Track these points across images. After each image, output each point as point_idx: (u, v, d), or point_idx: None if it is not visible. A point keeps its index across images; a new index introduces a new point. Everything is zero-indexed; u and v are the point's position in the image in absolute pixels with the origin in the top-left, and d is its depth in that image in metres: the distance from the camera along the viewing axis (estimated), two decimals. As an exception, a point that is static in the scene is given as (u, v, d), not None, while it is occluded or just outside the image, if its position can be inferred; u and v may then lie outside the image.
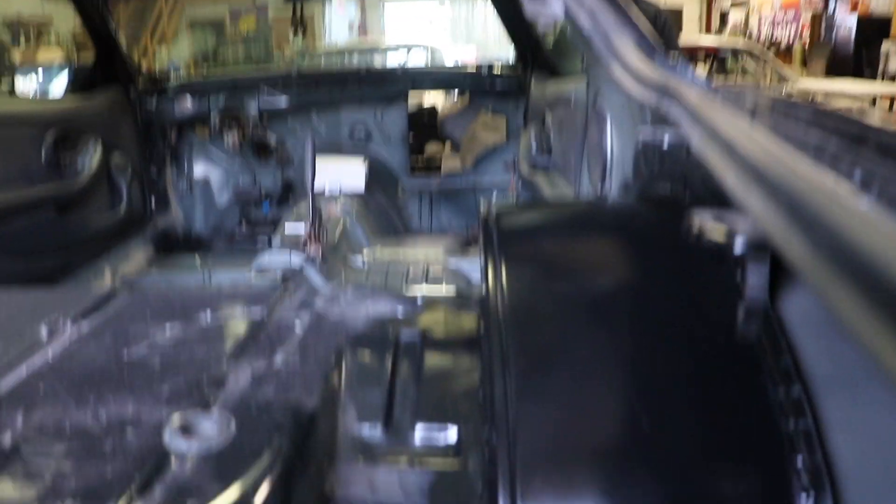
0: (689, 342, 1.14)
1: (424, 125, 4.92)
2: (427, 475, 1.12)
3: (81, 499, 0.95)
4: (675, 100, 1.30)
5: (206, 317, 1.47)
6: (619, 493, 1.02)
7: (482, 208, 1.46)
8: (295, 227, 3.61)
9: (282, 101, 4.41)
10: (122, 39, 4.14)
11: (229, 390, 1.19)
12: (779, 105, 1.19)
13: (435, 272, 2.93)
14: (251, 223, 4.68)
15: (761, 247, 0.89)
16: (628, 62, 1.64)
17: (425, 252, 3.62)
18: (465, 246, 3.97)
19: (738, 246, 0.87)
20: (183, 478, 0.97)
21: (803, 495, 1.00)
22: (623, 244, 1.34)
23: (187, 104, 4.37)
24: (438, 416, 1.21)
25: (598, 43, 1.73)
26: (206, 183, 4.70)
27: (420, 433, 1.19)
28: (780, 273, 1.20)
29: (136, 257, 4.07)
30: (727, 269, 1.15)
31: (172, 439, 1.06)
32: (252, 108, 4.41)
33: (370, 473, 1.13)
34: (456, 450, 1.17)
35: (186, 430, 1.08)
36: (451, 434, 1.18)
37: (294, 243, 3.46)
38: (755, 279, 0.93)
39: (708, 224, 0.89)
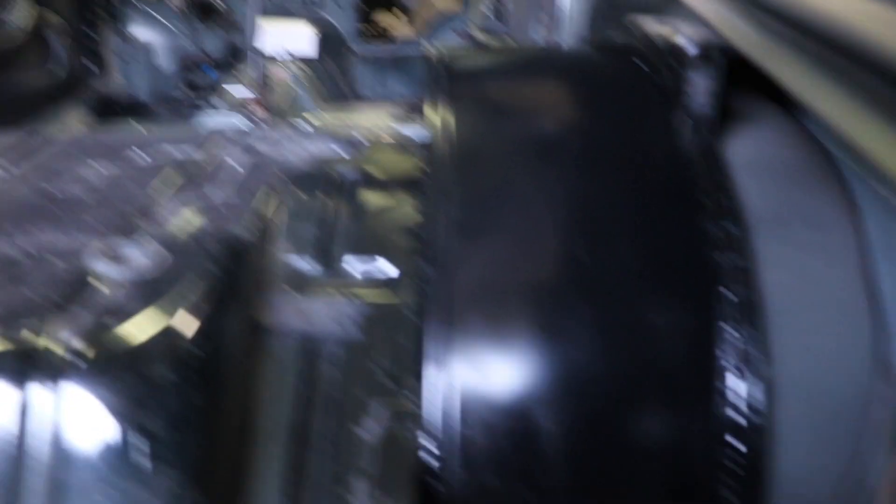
0: (632, 180, 1.14)
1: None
2: (360, 305, 1.13)
3: None
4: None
5: (139, 156, 1.42)
6: (553, 323, 1.03)
7: (430, 51, 1.42)
8: (240, 90, 3.52)
9: None
10: None
11: (158, 221, 1.16)
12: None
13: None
14: (195, 88, 4.53)
15: (709, 52, 0.87)
16: None
17: (372, 117, 3.56)
18: (413, 112, 3.90)
19: (690, 48, 0.84)
20: (104, 299, 0.95)
21: (731, 328, 1.03)
22: (572, 86, 1.32)
23: (127, -41, 4.14)
24: (376, 251, 1.20)
25: None
26: (147, 46, 4.51)
27: (356, 266, 1.19)
28: (726, 118, 1.19)
29: (71, 121, 3.93)
30: (675, 112, 1.14)
31: (96, 264, 1.03)
32: (197, -33, 4.21)
33: (303, 304, 1.13)
34: (392, 283, 1.16)
35: (111, 255, 1.05)
36: (387, 268, 1.18)
37: (238, 106, 3.38)
38: (700, 85, 0.92)
39: (656, 28, 0.87)
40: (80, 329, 0.89)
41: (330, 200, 1.27)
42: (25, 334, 0.88)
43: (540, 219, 1.11)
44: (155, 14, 4.46)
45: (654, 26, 0.87)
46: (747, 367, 1.01)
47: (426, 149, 1.35)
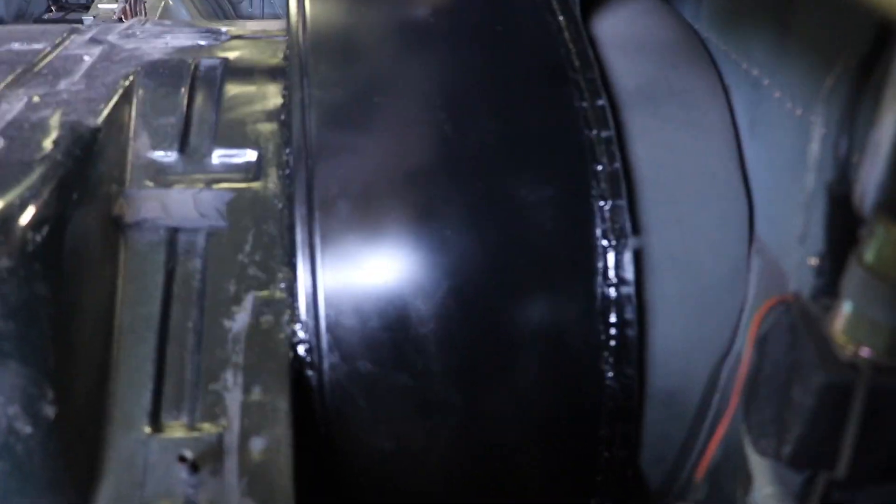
0: (499, 56, 1.12)
1: None
2: (224, 194, 1.07)
3: None
4: None
5: (-19, 50, 1.31)
6: (420, 202, 1.01)
7: None
8: (109, 4, 3.31)
9: None
10: None
11: (1, 114, 1.07)
12: None
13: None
14: (62, 7, 4.25)
15: None
16: None
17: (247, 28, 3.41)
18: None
19: None
20: (-62, 188, 0.87)
21: (601, 201, 1.02)
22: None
23: None
24: (238, 141, 1.14)
25: None
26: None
27: (217, 156, 1.13)
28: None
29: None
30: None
31: (-72, 154, 0.94)
32: None
33: (163, 196, 1.07)
34: (255, 172, 1.11)
35: (-55, 145, 0.97)
36: (249, 156, 1.13)
37: (108, 21, 3.18)
38: None
39: None
40: None
41: (188, 90, 1.20)
42: None
43: (405, 100, 1.07)
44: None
45: None
46: (618, 240, 1.01)
47: (287, 32, 1.29)
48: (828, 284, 0.76)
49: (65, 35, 1.41)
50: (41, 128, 1.03)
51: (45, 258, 0.85)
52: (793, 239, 0.95)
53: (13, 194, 0.88)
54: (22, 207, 0.87)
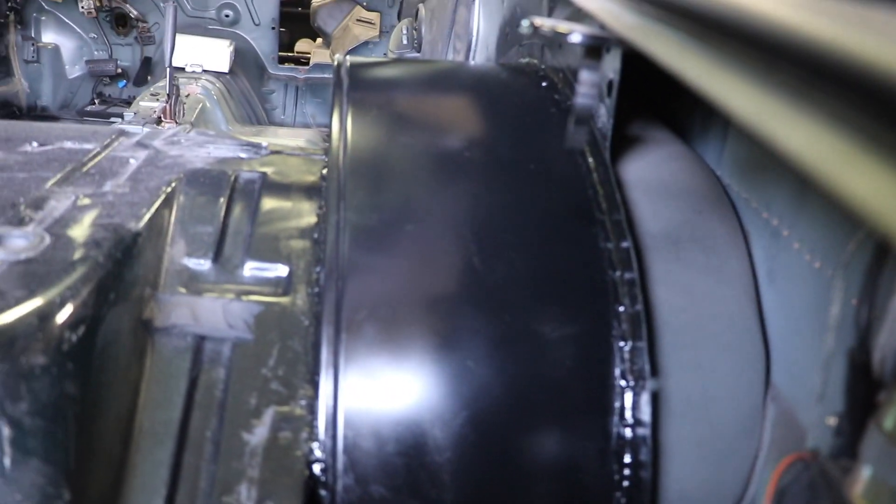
0: (530, 193, 1.16)
1: (297, 18, 4.75)
2: (252, 307, 1.10)
3: None
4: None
5: (32, 147, 1.37)
6: (445, 331, 1.03)
7: (336, 60, 1.41)
8: (150, 103, 3.44)
9: None
10: None
11: (48, 211, 1.12)
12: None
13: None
14: (105, 100, 4.41)
15: (595, 48, 0.90)
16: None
17: (286, 142, 3.53)
18: (327, 140, 3.89)
19: (576, 37, 0.86)
20: (-19, 281, 0.90)
21: (621, 342, 1.04)
22: (474, 99, 1.33)
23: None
24: (270, 254, 1.18)
25: None
26: (55, 51, 4.38)
27: (249, 268, 1.16)
28: (620, 141, 1.22)
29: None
30: (572, 129, 1.16)
31: (-25, 248, 0.98)
32: (111, -28, 4.11)
33: (193, 303, 1.10)
34: (285, 287, 1.14)
35: (-7, 241, 1.00)
36: (280, 270, 1.16)
37: (148, 118, 3.30)
38: (587, 79, 0.94)
39: (548, 23, 0.89)
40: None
41: (226, 201, 1.25)
42: None
43: (436, 230, 1.11)
44: (66, 19, 4.34)
45: (546, 22, 0.89)
46: (636, 381, 1.02)
47: (326, 151, 1.34)
48: (847, 445, 0.76)
49: (114, 137, 1.47)
50: (85, 228, 1.07)
51: (78, 357, 0.87)
52: (810, 393, 0.96)
53: (53, 292, 0.91)
54: (61, 306, 0.89)
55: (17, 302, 0.87)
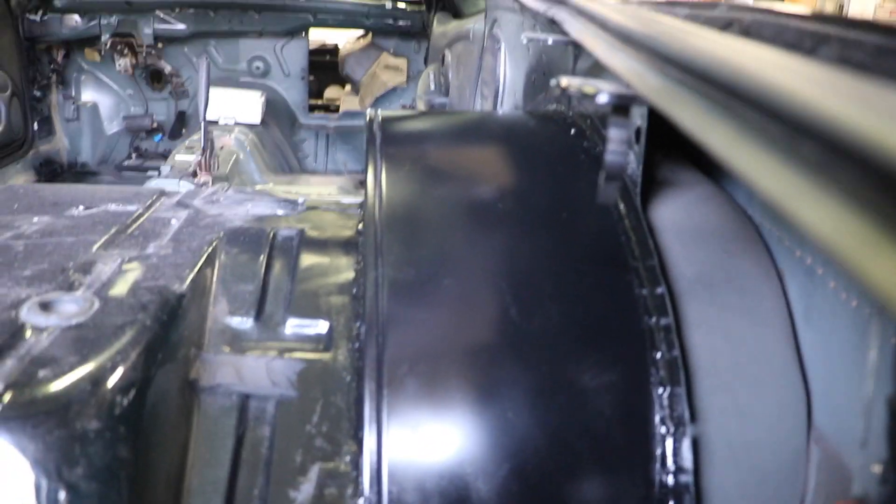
0: (563, 242, 1.17)
1: (326, 66, 4.85)
2: (295, 364, 1.12)
3: None
4: (563, 4, 1.32)
5: (79, 211, 1.42)
6: (485, 383, 1.04)
7: (368, 115, 1.45)
8: (186, 156, 3.52)
9: (178, 26, 4.25)
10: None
11: (95, 275, 1.15)
12: (661, 4, 1.22)
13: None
14: (141, 154, 4.52)
15: (622, 105, 0.92)
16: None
17: (318, 190, 3.59)
18: (359, 186, 3.95)
19: (603, 97, 0.89)
20: (38, 349, 0.94)
21: (660, 388, 1.05)
22: (505, 150, 1.36)
23: (75, 22, 4.15)
24: (311, 311, 1.20)
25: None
26: (94, 109, 4.50)
27: (291, 326, 1.19)
28: (652, 184, 1.24)
29: (15, 182, 3.88)
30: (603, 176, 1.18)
31: (30, 315, 1.02)
32: (146, 31, 4.23)
33: (237, 362, 1.12)
34: (326, 343, 1.17)
35: (45, 307, 1.04)
36: (321, 327, 1.18)
37: (183, 171, 3.38)
38: (616, 135, 0.96)
39: (575, 83, 0.91)
40: (5, 377, 0.87)
41: (266, 259, 1.28)
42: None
43: (473, 283, 1.13)
44: (104, 78, 4.46)
45: (573, 82, 0.91)
46: (676, 427, 1.03)
47: (362, 205, 1.37)
48: (894, 494, 0.76)
49: (155, 198, 1.52)
50: (132, 291, 1.10)
51: (130, 420, 0.90)
52: (854, 436, 0.95)
53: (104, 357, 0.94)
54: (112, 370, 0.92)
55: (71, 368, 0.90)
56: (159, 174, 3.59)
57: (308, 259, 1.30)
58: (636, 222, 1.17)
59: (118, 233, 1.32)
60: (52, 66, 4.29)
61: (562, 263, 1.14)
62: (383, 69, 4.50)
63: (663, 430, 1.03)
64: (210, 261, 1.25)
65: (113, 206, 1.45)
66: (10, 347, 0.94)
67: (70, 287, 1.11)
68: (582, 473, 1.01)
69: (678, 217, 1.25)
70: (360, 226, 1.37)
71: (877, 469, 0.79)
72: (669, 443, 1.02)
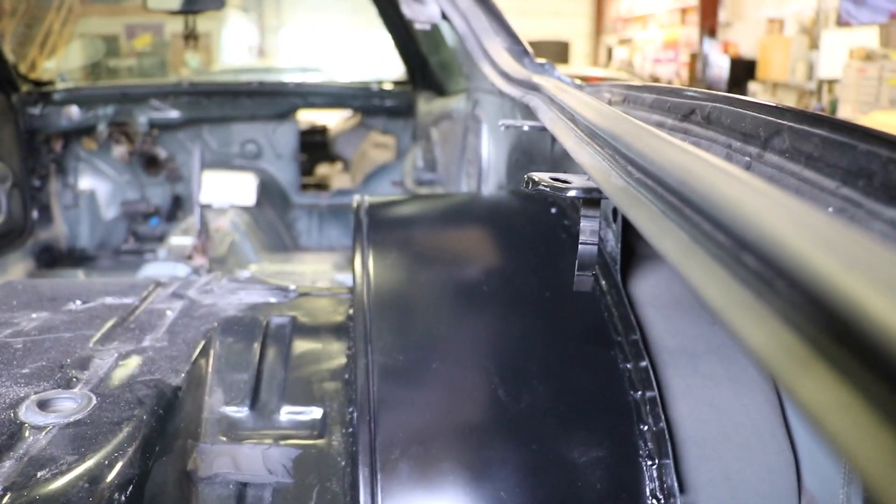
0: (548, 321, 1.20)
1: (316, 145, 4.95)
2: (290, 451, 1.14)
3: None
4: (538, 91, 1.38)
5: (76, 305, 1.45)
6: (476, 464, 1.06)
7: (354, 201, 1.50)
8: (182, 240, 3.57)
9: (172, 114, 4.35)
10: (6, 46, 4.00)
11: (93, 370, 1.18)
12: (630, 91, 1.28)
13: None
14: (139, 238, 4.58)
15: (592, 199, 0.96)
16: (499, 62, 1.72)
17: (313, 268, 3.64)
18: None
19: (572, 193, 0.93)
20: (36, 449, 0.96)
21: (649, 461, 1.07)
22: (488, 231, 1.40)
23: (74, 113, 4.25)
24: (304, 398, 1.23)
25: (472, 45, 1.81)
26: (92, 196, 4.57)
27: (285, 413, 1.21)
28: (631, 259, 1.28)
29: (14, 271, 3.92)
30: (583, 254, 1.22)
31: (28, 414, 1.04)
32: (142, 120, 4.33)
33: (234, 451, 1.14)
34: (320, 429, 1.19)
35: (43, 405, 1.07)
36: (315, 414, 1.21)
37: (180, 255, 3.42)
38: (587, 226, 1.00)
39: (546, 178, 0.96)
40: (4, 479, 0.89)
41: (259, 347, 1.31)
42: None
43: (460, 364, 1.16)
44: (101, 165, 4.54)
45: (545, 178, 0.96)
46: (666, 499, 1.05)
47: (350, 291, 1.41)
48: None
49: (151, 289, 1.55)
50: (128, 386, 1.13)
51: None
52: (839, 502, 0.97)
53: (102, 454, 0.96)
54: (110, 468, 0.94)
55: (69, 467, 0.92)
56: (156, 258, 3.64)
57: (301, 346, 1.33)
58: (617, 298, 1.21)
59: (115, 326, 1.35)
60: (51, 156, 4.37)
61: (547, 342, 1.18)
62: (372, 147, 4.59)
63: (654, 502, 1.04)
64: (205, 351, 1.28)
65: (109, 300, 1.48)
66: (9, 448, 0.96)
67: (68, 384, 1.14)
68: (575, 550, 1.03)
69: (659, 289, 1.29)
70: (351, 311, 1.40)
71: None
72: (661, 515, 1.04)
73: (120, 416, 1.04)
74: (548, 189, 0.93)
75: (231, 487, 1.11)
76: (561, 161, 1.45)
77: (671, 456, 1.07)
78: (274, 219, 4.36)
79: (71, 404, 1.08)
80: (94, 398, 1.08)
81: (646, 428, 1.09)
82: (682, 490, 1.06)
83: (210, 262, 3.39)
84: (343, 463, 1.13)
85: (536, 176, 0.96)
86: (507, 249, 1.35)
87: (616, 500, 1.05)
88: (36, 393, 1.10)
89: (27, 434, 1.00)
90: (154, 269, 3.27)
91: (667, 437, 1.08)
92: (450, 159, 2.77)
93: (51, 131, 4.26)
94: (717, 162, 0.56)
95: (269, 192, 4.41)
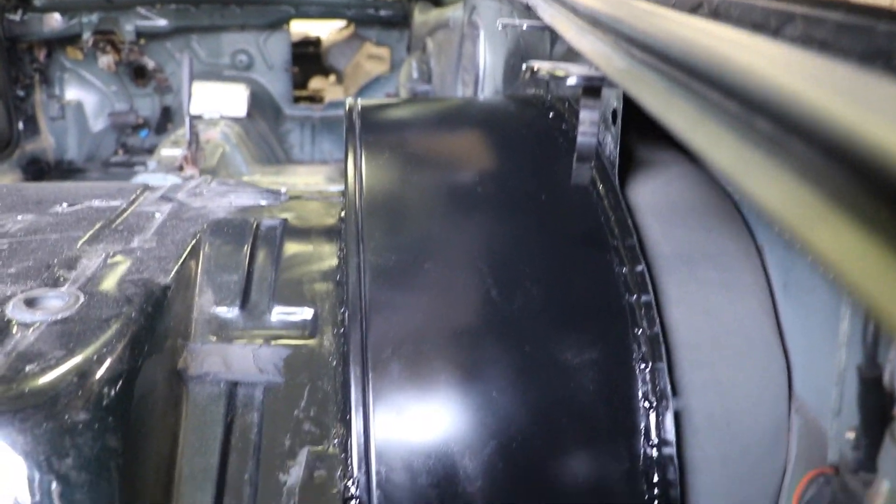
0: (543, 224, 1.18)
1: (309, 57, 4.85)
2: (281, 350, 1.14)
3: None
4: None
5: (62, 208, 1.42)
6: (468, 364, 1.06)
7: (347, 104, 1.46)
8: (172, 151, 3.52)
9: (160, 22, 4.24)
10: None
11: (80, 270, 1.16)
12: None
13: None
14: (128, 150, 4.52)
15: (593, 87, 0.93)
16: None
17: (304, 180, 3.60)
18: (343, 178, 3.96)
19: (573, 80, 0.90)
20: (24, 345, 0.95)
21: (642, 364, 1.07)
22: (483, 134, 1.37)
23: (56, 21, 4.13)
24: (295, 299, 1.22)
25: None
26: (79, 107, 4.50)
27: (276, 313, 1.20)
28: (630, 165, 1.25)
29: (1, 182, 3.88)
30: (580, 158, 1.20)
31: (15, 312, 1.02)
32: (128, 28, 4.22)
33: (224, 350, 1.14)
34: (311, 329, 1.18)
35: (31, 303, 1.05)
36: (306, 314, 1.20)
37: (170, 166, 3.38)
38: (587, 117, 0.97)
39: (546, 66, 0.93)
40: (-5, 374, 0.88)
41: (250, 249, 1.29)
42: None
43: (453, 266, 1.15)
44: (87, 75, 4.45)
45: (544, 66, 0.92)
46: (658, 401, 1.05)
47: (343, 193, 1.39)
48: (866, 459, 0.78)
49: (139, 193, 1.53)
50: (117, 285, 1.11)
51: (118, 411, 0.91)
52: (829, 406, 0.97)
53: (91, 350, 0.95)
54: (99, 363, 0.93)
55: (58, 362, 0.91)
56: (146, 169, 3.59)
57: (292, 248, 1.31)
58: (615, 202, 1.19)
59: (102, 228, 1.33)
60: (34, 66, 4.28)
61: (542, 244, 1.16)
62: (366, 59, 4.51)
63: (646, 404, 1.04)
64: (194, 252, 1.26)
65: (97, 202, 1.46)
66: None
67: (55, 283, 1.12)
68: (567, 448, 1.03)
69: (656, 196, 1.27)
70: (342, 214, 1.38)
71: (850, 435, 0.81)
72: (653, 417, 1.04)
73: (108, 314, 1.03)
74: (546, 77, 0.90)
75: (221, 386, 1.11)
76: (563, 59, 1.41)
77: (664, 360, 1.07)
78: (265, 131, 4.30)
79: (58, 302, 1.06)
80: (81, 296, 1.07)
81: (640, 332, 1.08)
82: (674, 393, 1.06)
83: (201, 173, 3.35)
84: (334, 363, 1.12)
85: (536, 64, 0.92)
86: (503, 152, 1.32)
87: (608, 401, 1.05)
88: (23, 292, 1.08)
89: (15, 331, 0.98)
90: (144, 180, 3.24)
91: (661, 341, 1.08)
92: (445, 70, 2.72)
93: (33, 39, 4.16)
94: (722, 31, 0.53)
95: (261, 103, 4.35)
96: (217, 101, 3.96)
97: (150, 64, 4.42)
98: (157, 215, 1.40)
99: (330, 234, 1.34)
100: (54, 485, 0.83)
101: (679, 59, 0.56)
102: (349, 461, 1.01)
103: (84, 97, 4.52)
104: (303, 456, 1.04)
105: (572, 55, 1.35)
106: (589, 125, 0.96)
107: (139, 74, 4.48)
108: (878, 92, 0.36)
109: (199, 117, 3.87)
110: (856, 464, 0.79)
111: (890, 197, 0.31)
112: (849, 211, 0.33)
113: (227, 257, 1.27)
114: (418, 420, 1.02)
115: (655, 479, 1.03)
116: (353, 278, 1.10)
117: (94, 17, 4.18)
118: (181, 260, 1.21)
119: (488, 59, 2.01)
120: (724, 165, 0.44)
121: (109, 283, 1.11)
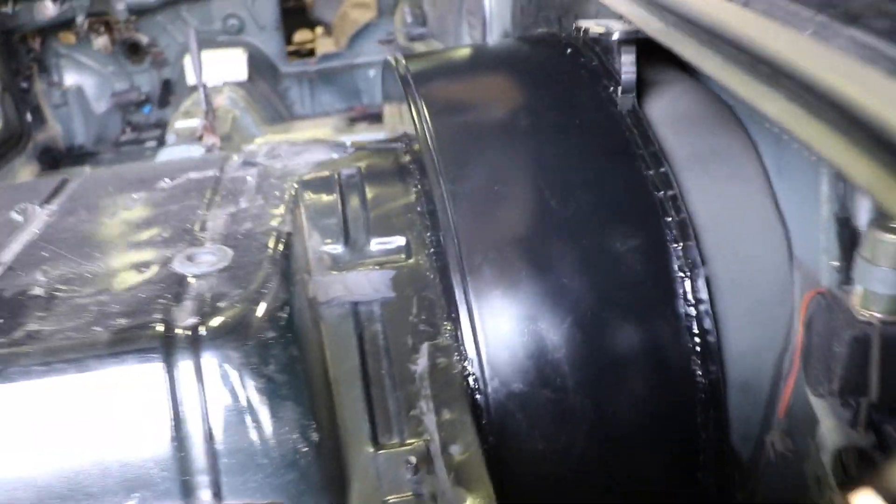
0: (580, 142, 1.46)
1: (293, 11, 4.99)
2: (388, 272, 1.42)
3: (127, 318, 1.16)
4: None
5: (166, 183, 1.67)
6: (541, 260, 1.35)
7: (390, 60, 1.71)
8: (187, 122, 3.72)
9: None
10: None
11: (212, 230, 1.42)
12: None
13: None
14: (135, 128, 4.70)
15: (630, 39, 1.20)
16: None
17: (314, 133, 3.82)
18: (351, 123, 4.19)
19: (616, 35, 1.17)
20: (206, 288, 1.21)
21: (674, 245, 1.35)
22: (518, 74, 1.64)
23: (48, 8, 4.26)
24: (387, 231, 1.50)
25: None
26: (79, 91, 4.65)
27: (375, 244, 1.48)
28: (642, 85, 1.52)
29: (22, 175, 4.03)
30: (600, 84, 1.47)
31: (183, 267, 1.28)
32: (119, 7, 4.36)
33: (343, 278, 1.42)
34: (407, 253, 1.46)
35: (192, 259, 1.31)
36: (400, 241, 1.48)
37: (189, 137, 3.58)
38: (627, 60, 1.25)
39: (591, 25, 1.19)
40: (194, 312, 1.15)
41: (339, 196, 1.56)
42: (157, 324, 1.13)
43: (516, 184, 1.43)
44: (83, 59, 4.60)
45: (585, 23, 1.18)
46: (691, 271, 1.34)
47: (404, 142, 1.65)
48: (846, 277, 1.09)
49: (222, 161, 1.78)
50: (252, 237, 1.38)
51: (289, 329, 1.19)
52: (819, 251, 1.27)
53: (258, 286, 1.22)
54: (269, 295, 1.20)
55: (240, 298, 1.19)
56: (165, 143, 3.80)
57: (373, 190, 1.59)
58: (636, 119, 1.46)
59: (211, 194, 1.58)
60: (31, 56, 4.41)
61: (583, 159, 1.44)
62: (353, 7, 4.67)
63: (682, 274, 1.34)
64: (296, 204, 1.53)
65: (193, 175, 1.71)
66: (185, 292, 1.21)
67: (199, 243, 1.38)
68: (626, 315, 1.33)
69: (669, 109, 1.54)
70: (406, 157, 1.65)
71: (834, 264, 1.11)
72: (688, 283, 1.34)
73: (257, 259, 1.29)
74: (598, 35, 1.17)
75: (346, 307, 1.39)
76: (570, 6, 1.67)
77: (693, 238, 1.36)
78: (267, 91, 4.50)
79: (212, 257, 1.31)
80: (227, 250, 1.33)
81: (670, 219, 1.37)
82: (703, 263, 1.35)
83: (219, 139, 3.56)
84: (432, 276, 1.41)
85: (584, 23, 1.19)
86: (538, 87, 1.58)
87: (653, 274, 1.34)
88: (178, 252, 1.33)
89: (191, 280, 1.24)
90: (169, 153, 3.44)
91: (688, 223, 1.36)
92: (443, 13, 2.93)
93: (26, 29, 4.28)
94: (735, 9, 0.81)
95: (258, 65, 4.52)
96: (218, 68, 4.15)
97: (143, 40, 4.57)
98: (249, 179, 1.66)
99: (401, 174, 1.61)
100: (267, 385, 1.11)
101: (700, 24, 0.83)
102: (463, 348, 1.30)
103: (83, 81, 4.67)
104: (424, 349, 1.33)
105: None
106: (629, 66, 1.23)
107: (134, 51, 4.63)
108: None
109: (207, 85, 4.06)
110: (839, 282, 1.10)
111: (845, 116, 0.59)
112: (822, 116, 0.62)
113: (323, 205, 1.54)
114: (510, 309, 1.32)
115: (696, 329, 1.33)
116: (440, 206, 1.37)
117: (85, 1, 4.31)
118: (289, 211, 1.48)
119: (494, 2, 2.25)
120: (737, 90, 0.72)
121: (244, 237, 1.38)
